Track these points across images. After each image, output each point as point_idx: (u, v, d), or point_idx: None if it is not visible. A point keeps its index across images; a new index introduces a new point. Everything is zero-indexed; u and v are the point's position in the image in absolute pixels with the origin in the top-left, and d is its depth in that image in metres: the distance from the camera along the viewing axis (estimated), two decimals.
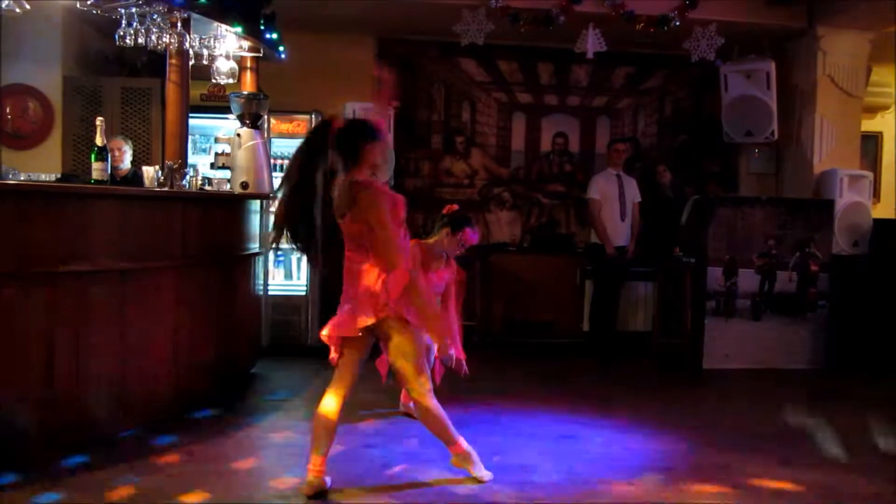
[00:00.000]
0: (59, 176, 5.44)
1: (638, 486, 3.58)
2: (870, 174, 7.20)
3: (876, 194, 8.11)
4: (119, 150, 5.74)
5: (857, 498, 3.56)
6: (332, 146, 3.31)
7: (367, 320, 3.31)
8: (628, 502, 3.41)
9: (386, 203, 3.32)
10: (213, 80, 5.61)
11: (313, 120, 6.56)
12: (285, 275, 6.72)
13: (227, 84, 5.81)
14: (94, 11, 4.66)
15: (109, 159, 4.51)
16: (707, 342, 6.31)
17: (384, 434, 4.27)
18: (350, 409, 4.66)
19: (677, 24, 6.51)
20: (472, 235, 4.68)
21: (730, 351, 6.32)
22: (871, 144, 8.67)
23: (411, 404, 4.54)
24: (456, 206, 4.84)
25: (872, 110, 8.46)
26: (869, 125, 8.39)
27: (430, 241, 4.74)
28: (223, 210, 5.06)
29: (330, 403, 3.39)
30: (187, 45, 4.97)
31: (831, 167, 7.04)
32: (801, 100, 7.30)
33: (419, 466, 3.73)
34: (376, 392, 4.92)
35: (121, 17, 4.71)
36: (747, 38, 7.05)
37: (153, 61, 6.24)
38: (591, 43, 6.59)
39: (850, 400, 5.48)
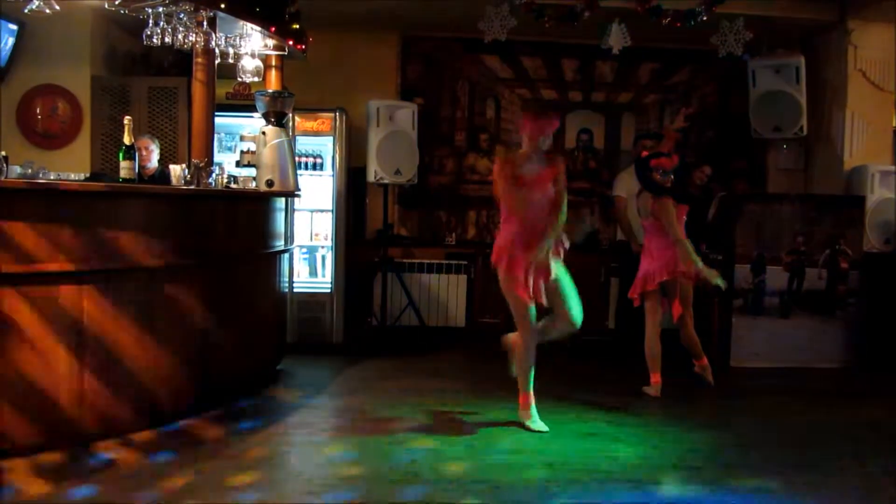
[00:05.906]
0: (87, 175, 5.51)
1: (666, 485, 3.54)
2: None
3: None
4: (146, 148, 5.79)
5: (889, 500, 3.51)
6: None
7: None
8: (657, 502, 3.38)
9: None
10: (239, 79, 5.65)
11: (338, 117, 6.57)
12: (310, 272, 6.75)
13: (253, 82, 5.85)
14: (122, 11, 4.72)
15: (137, 158, 4.55)
16: (735, 340, 6.26)
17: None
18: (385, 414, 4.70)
19: (704, 18, 6.42)
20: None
21: (758, 349, 6.24)
22: None
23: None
24: None
25: None
26: None
27: None
28: (249, 208, 5.10)
29: None
30: (213, 44, 5.00)
31: (862, 163, 6.92)
32: (832, 95, 7.18)
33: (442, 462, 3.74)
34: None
35: (148, 16, 4.76)
36: (776, 33, 6.94)
37: (179, 60, 6.30)
38: (617, 38, 6.53)
39: (882, 398, 5.40)
